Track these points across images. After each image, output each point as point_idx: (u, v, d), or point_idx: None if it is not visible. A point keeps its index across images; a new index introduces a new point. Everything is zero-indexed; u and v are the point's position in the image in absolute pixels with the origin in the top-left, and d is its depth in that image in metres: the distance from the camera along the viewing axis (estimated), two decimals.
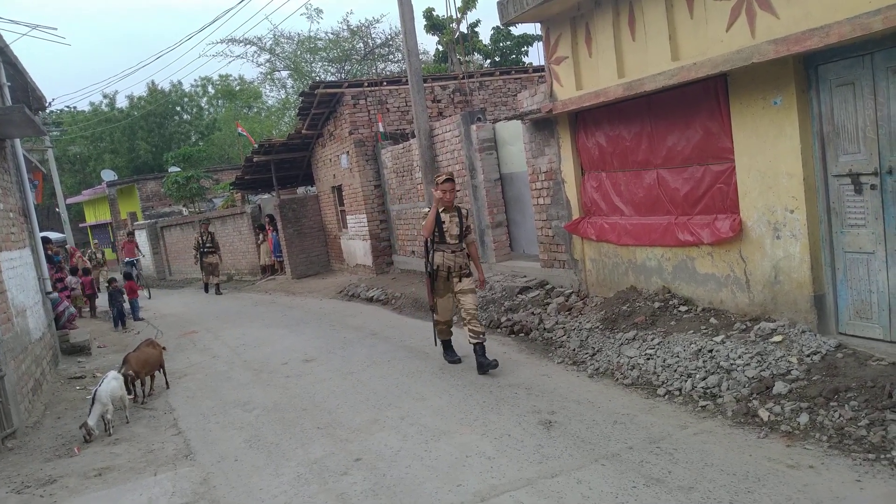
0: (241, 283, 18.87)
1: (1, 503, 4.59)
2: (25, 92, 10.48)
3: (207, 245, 17.63)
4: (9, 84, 9.18)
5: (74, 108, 37.48)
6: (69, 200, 31.30)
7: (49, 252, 11.11)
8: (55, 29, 12.33)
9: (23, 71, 9.73)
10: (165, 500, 4.43)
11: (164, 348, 7.74)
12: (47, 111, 20.88)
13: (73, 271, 14.63)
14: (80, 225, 36.25)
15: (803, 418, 4.27)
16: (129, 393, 6.54)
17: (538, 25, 7.95)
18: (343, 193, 15.41)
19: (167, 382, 7.52)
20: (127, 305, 13.28)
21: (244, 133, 22.86)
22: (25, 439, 5.99)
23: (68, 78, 63.02)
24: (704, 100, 5.98)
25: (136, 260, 19.42)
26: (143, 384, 7.02)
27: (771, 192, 5.49)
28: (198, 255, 17.79)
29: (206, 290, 17.82)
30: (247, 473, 4.72)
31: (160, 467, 5.03)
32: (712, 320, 5.95)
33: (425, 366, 6.92)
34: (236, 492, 4.44)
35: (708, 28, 5.72)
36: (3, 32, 8.45)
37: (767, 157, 5.46)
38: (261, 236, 18.49)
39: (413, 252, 13.23)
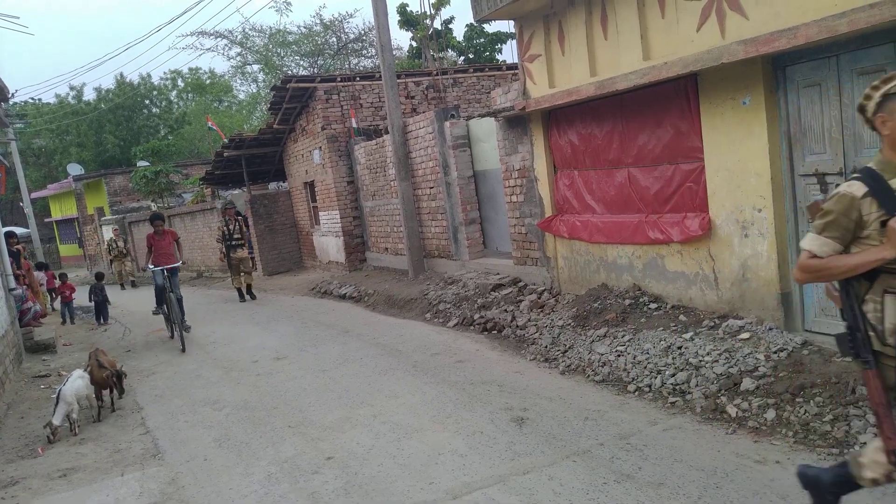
0: (212, 280, 18.63)
1: None
2: None
3: (236, 236, 13.23)
4: None
5: (39, 100, 36.62)
6: (34, 195, 30.61)
7: (14, 249, 10.84)
8: (17, 18, 12.01)
9: None
10: (133, 500, 4.35)
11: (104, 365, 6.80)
12: (10, 102, 20.27)
13: (40, 266, 14.31)
14: (46, 220, 35.49)
15: (770, 414, 4.34)
16: (100, 400, 6.35)
17: (512, 23, 7.97)
18: (315, 189, 15.29)
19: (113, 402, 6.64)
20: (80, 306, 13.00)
21: (214, 128, 22.55)
22: None
23: (33, 72, 61.61)
24: (675, 99, 6.04)
25: (173, 269, 9.93)
26: (111, 391, 6.53)
27: (739, 191, 5.57)
28: (224, 250, 13.34)
29: (242, 298, 13.37)
30: (216, 473, 4.66)
31: (127, 467, 4.94)
32: (682, 317, 6.02)
33: (398, 363, 6.90)
34: (205, 492, 4.37)
35: (679, 28, 5.78)
36: None
37: (736, 156, 5.54)
38: None
39: (387, 249, 13.18)
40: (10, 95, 12.26)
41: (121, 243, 19.99)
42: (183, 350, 8.92)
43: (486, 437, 4.70)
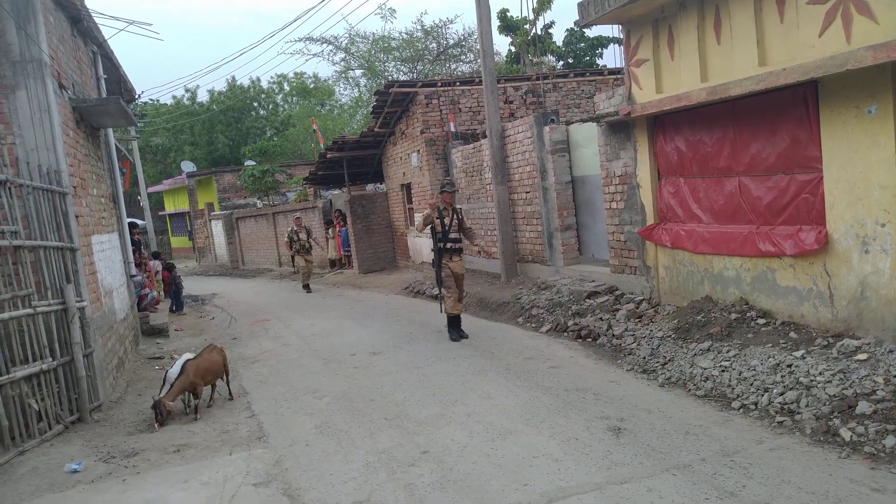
0: (311, 276, 19.24)
1: (90, 470, 4.86)
2: (118, 84, 11.05)
3: (452, 235, 8.68)
4: (105, 76, 9.70)
5: (157, 100, 39.15)
6: (150, 189, 32.66)
7: (135, 238, 11.66)
8: (150, 25, 12.91)
9: (117, 65, 10.27)
10: (240, 478, 4.59)
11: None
12: (135, 103, 21.67)
13: (154, 256, 15.30)
14: (160, 213, 37.83)
15: (889, 441, 4.08)
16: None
17: (614, 27, 7.88)
18: (412, 191, 15.59)
19: (230, 392, 6.69)
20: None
21: (316, 130, 23.42)
22: (109, 413, 6.31)
23: (150, 75, 65.85)
24: (792, 106, 5.79)
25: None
26: (196, 396, 6.15)
27: (861, 205, 5.28)
28: (435, 254, 8.67)
29: (456, 336, 8.32)
30: (317, 458, 4.85)
31: (235, 447, 5.22)
32: (792, 334, 5.75)
33: (490, 365, 6.94)
34: (307, 475, 4.56)
35: (799, 33, 5.54)
36: (101, 28, 8.92)
37: (858, 167, 5.25)
38: (330, 231, 18.88)
39: (479, 252, 13.22)
40: (136, 96, 13.23)
41: (303, 235, 16.06)
42: None
43: (581, 443, 4.66)
